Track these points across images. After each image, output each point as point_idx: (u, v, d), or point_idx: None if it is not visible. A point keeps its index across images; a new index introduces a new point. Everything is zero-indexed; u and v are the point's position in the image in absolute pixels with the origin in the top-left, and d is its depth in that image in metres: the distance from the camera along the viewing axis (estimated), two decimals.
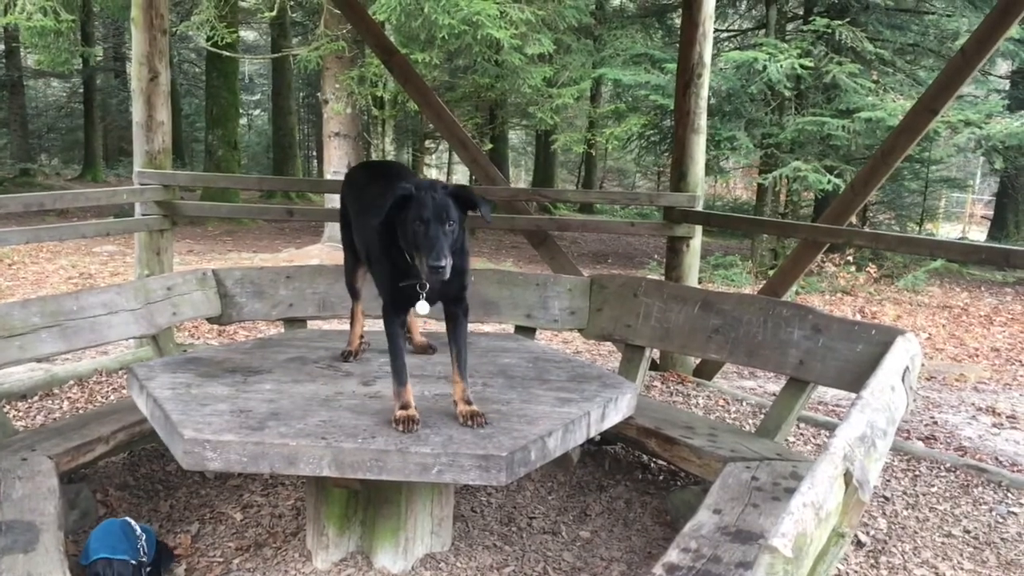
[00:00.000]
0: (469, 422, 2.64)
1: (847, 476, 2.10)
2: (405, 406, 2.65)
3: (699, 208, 5.84)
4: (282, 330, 4.61)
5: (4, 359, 3.52)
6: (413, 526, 3.09)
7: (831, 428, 4.77)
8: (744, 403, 5.34)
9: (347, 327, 3.53)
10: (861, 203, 5.40)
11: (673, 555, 2.57)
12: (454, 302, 2.81)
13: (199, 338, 6.63)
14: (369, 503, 3.06)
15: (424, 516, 3.13)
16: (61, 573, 2.37)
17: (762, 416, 5.03)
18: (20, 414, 4.54)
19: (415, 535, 3.11)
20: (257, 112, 34.93)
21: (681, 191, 5.81)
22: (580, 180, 27.73)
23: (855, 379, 3.37)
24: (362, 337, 3.48)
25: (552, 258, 6.05)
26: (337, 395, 2.91)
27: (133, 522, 2.95)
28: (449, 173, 27.29)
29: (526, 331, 4.62)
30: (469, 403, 2.72)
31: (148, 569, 2.87)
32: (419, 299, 2.70)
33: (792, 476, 3.24)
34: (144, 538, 2.91)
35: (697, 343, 4.16)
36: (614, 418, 3.06)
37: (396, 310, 2.80)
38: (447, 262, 2.45)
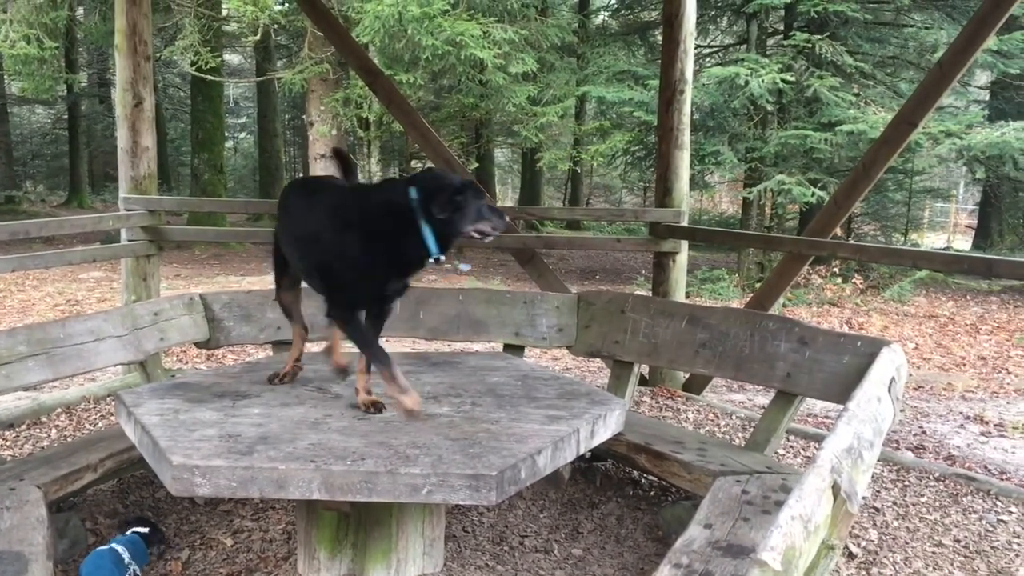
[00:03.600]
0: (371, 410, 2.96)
1: (835, 488, 2.12)
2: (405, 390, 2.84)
3: (684, 223, 5.87)
4: (271, 353, 4.60)
5: None
6: (405, 547, 3.08)
7: (820, 440, 4.78)
8: (734, 416, 5.35)
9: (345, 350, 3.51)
10: (844, 215, 5.45)
11: (665, 571, 2.57)
12: None
13: (187, 363, 6.61)
14: (360, 525, 3.05)
15: (416, 537, 3.12)
16: None
17: (751, 429, 5.05)
18: (7, 443, 4.51)
19: (407, 556, 3.10)
20: (243, 135, 34.94)
21: (666, 207, 5.84)
22: (567, 197, 27.78)
23: (842, 391, 3.39)
24: (298, 360, 3.50)
25: (540, 276, 6.06)
26: (326, 418, 2.91)
27: (120, 548, 2.93)
28: None
29: (515, 349, 4.62)
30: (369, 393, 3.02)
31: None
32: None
33: (782, 489, 3.25)
34: (133, 565, 2.90)
35: (685, 358, 4.18)
36: (604, 435, 3.07)
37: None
38: None
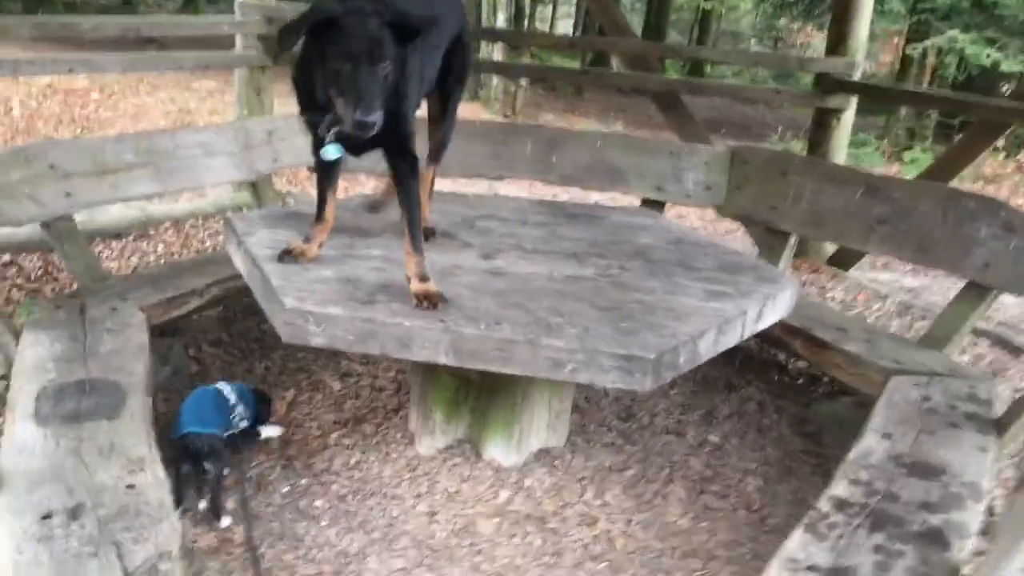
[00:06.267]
0: (423, 303, 2.17)
1: None
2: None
3: (858, 77, 5.10)
4: (380, 185, 4.23)
5: (95, 197, 3.26)
6: (529, 419, 2.77)
7: (1005, 344, 4.20)
8: (887, 301, 4.77)
9: (462, 187, 3.10)
10: None
11: (840, 488, 2.18)
12: (393, 154, 2.37)
13: (297, 185, 6.33)
14: (482, 390, 2.73)
15: (541, 408, 2.79)
16: (147, 447, 2.11)
17: (910, 318, 4.50)
18: (114, 254, 4.36)
19: (530, 428, 2.79)
20: None
21: (838, 55, 5.08)
22: (692, 41, 26.13)
23: None
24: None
25: (681, 125, 5.44)
26: (455, 268, 2.52)
27: (227, 389, 2.69)
28: (553, 20, 26.15)
29: (654, 204, 4.13)
30: (424, 279, 2.24)
31: (243, 429, 2.70)
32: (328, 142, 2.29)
33: (970, 398, 2.78)
34: (239, 407, 2.67)
35: (856, 233, 3.63)
36: (771, 318, 2.61)
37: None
38: (376, 116, 2.01)
